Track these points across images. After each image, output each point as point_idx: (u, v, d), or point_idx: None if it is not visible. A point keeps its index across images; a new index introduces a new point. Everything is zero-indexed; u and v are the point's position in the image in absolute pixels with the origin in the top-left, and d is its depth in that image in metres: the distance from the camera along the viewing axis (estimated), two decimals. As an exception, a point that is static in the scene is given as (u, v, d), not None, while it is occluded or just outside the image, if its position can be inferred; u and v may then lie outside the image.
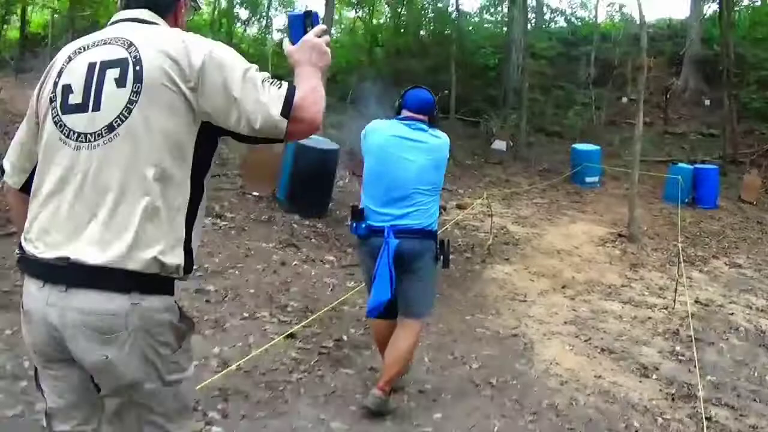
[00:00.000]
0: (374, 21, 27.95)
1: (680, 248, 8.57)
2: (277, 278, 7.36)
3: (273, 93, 2.06)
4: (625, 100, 22.58)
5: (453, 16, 25.15)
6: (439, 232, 4.83)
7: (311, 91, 2.13)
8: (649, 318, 7.59)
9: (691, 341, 6.70)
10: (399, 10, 26.81)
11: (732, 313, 8.05)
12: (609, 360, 6.26)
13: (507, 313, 7.38)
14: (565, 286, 8.63)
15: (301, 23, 2.31)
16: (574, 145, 17.74)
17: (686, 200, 14.43)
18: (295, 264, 8.01)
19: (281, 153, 10.53)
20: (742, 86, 20.10)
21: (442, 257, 4.73)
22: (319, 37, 2.27)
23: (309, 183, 10.19)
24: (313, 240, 9.27)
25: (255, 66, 2.12)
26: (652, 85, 19.05)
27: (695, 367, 6.07)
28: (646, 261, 10.32)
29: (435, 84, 21.02)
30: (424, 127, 4.64)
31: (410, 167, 4.53)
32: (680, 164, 16.16)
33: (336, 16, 30.43)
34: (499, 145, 19.49)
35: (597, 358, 6.27)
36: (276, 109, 2.04)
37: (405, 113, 4.70)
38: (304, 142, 10.24)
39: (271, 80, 2.10)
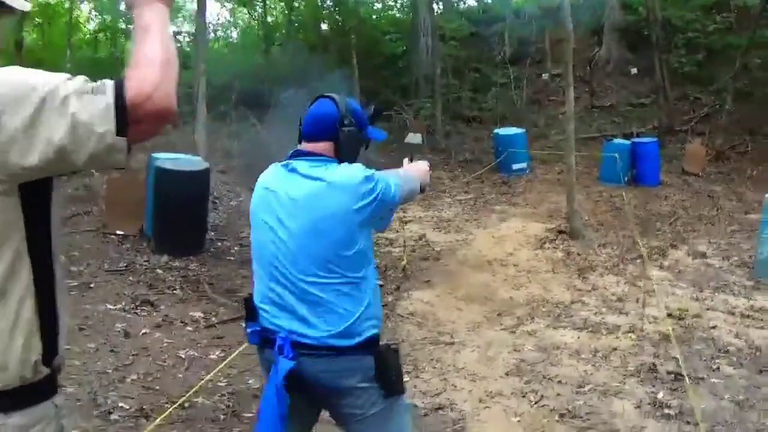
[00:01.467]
0: (269, 19, 25.87)
1: (643, 253, 6.81)
2: (114, 361, 5.32)
3: (95, 106, 1.39)
4: (546, 76, 21.06)
5: (352, 3, 23.22)
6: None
7: (152, 62, 1.45)
8: (615, 349, 5.87)
9: (675, 380, 5.09)
10: (295, 4, 24.85)
11: (714, 326, 6.41)
12: (572, 432, 4.48)
13: (429, 368, 5.56)
14: (502, 314, 6.85)
15: None
16: (497, 130, 16.13)
17: (626, 179, 12.89)
18: (145, 332, 5.99)
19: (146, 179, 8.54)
20: (671, 50, 18.75)
21: (383, 381, 2.58)
22: None
23: (177, 214, 8.10)
24: (177, 291, 7.17)
25: (63, 78, 1.41)
26: (575, 58, 17.52)
27: (689, 423, 4.49)
28: (595, 262, 8.62)
29: (340, 80, 19.25)
30: (313, 164, 2.62)
31: (284, 241, 2.56)
32: (615, 140, 14.72)
33: (231, 18, 28.40)
34: (414, 138, 17.66)
35: (556, 432, 4.48)
36: (105, 126, 1.39)
37: (300, 146, 2.72)
38: (163, 165, 8.21)
39: (87, 88, 1.41)
